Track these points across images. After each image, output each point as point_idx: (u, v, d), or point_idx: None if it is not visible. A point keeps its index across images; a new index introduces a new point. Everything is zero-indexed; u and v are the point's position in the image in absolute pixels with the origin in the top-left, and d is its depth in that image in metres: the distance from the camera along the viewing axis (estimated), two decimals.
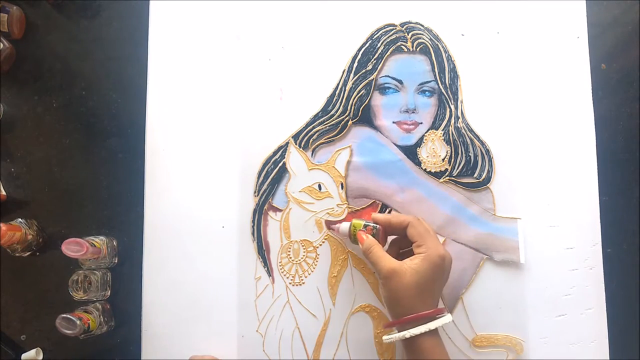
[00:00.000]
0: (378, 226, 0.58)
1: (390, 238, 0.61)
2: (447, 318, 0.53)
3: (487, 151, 0.65)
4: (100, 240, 0.63)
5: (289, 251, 0.65)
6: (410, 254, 0.55)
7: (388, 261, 0.54)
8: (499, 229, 0.64)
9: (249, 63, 0.67)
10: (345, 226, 0.60)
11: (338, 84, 0.66)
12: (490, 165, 0.65)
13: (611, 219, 0.65)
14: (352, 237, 0.59)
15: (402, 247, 0.60)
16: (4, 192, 0.66)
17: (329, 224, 0.64)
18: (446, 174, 0.65)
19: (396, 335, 0.53)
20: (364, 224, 0.59)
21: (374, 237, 0.58)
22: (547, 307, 0.63)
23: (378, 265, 0.55)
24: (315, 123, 0.66)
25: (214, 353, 0.63)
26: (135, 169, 0.66)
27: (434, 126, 0.66)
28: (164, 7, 0.67)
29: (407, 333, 0.52)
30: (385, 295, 0.55)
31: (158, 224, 0.65)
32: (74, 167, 0.67)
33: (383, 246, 0.58)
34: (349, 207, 0.65)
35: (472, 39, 0.67)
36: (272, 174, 0.65)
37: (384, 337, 0.55)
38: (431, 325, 0.52)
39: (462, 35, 0.67)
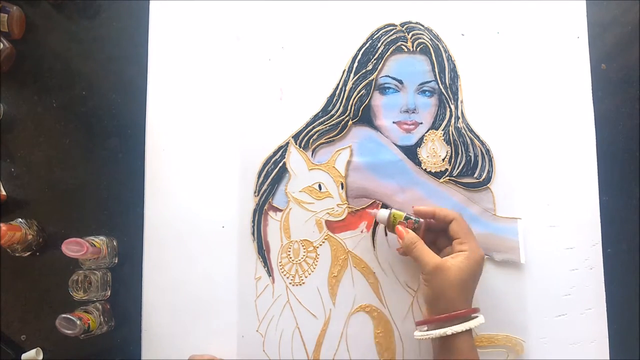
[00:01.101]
0: (421, 220, 0.58)
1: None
2: (481, 319, 0.53)
3: (487, 151, 0.65)
4: (100, 240, 0.63)
5: (289, 251, 0.65)
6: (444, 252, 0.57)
7: (433, 257, 0.54)
8: (499, 229, 0.64)
9: (249, 63, 0.67)
10: (383, 214, 0.59)
11: (338, 84, 0.66)
12: (491, 165, 0.65)
13: (611, 219, 0.65)
14: (392, 227, 0.59)
15: (439, 243, 0.59)
16: (4, 192, 0.66)
17: (369, 208, 0.64)
18: (446, 174, 0.65)
19: (436, 332, 0.52)
20: (405, 216, 0.58)
21: (414, 231, 0.57)
22: (547, 307, 0.63)
23: (422, 260, 0.54)
24: (315, 123, 0.66)
25: (214, 353, 0.63)
26: (135, 169, 0.66)
27: (434, 126, 0.66)
28: (164, 7, 0.67)
29: (449, 330, 0.51)
30: (427, 292, 0.54)
31: (158, 224, 0.65)
32: (74, 167, 0.67)
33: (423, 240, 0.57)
34: (349, 207, 0.65)
35: (472, 39, 0.67)
36: (272, 174, 0.65)
37: (417, 333, 0.55)
38: (472, 324, 0.52)
39: (462, 35, 0.67)
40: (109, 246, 0.64)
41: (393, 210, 0.59)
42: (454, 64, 0.66)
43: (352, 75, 0.66)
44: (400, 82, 0.66)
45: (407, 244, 0.56)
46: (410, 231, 0.57)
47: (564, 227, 0.65)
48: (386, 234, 0.64)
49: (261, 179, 0.65)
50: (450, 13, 0.67)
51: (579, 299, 0.64)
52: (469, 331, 0.52)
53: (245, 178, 0.65)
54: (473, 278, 0.54)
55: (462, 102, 0.66)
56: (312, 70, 0.67)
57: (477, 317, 0.53)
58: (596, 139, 0.66)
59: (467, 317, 0.52)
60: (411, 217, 0.58)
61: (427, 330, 0.54)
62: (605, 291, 0.64)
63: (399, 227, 0.58)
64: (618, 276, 0.65)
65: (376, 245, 0.64)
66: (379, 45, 0.66)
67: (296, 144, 0.66)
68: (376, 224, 0.64)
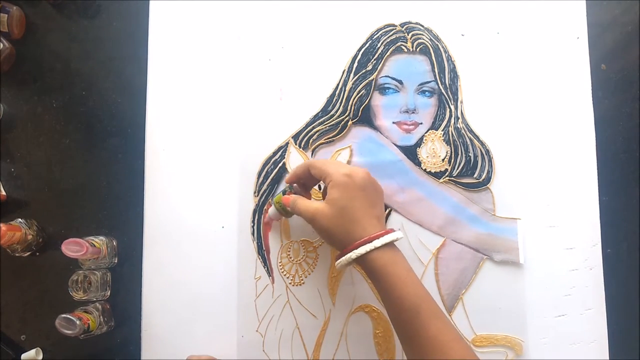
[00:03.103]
0: (294, 184, 0.60)
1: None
2: (394, 234, 0.52)
3: (487, 151, 0.65)
4: (100, 240, 0.63)
5: (289, 251, 0.65)
6: None
7: (308, 204, 0.55)
8: (499, 229, 0.64)
9: (249, 63, 0.67)
10: (271, 209, 0.62)
11: (338, 84, 0.66)
12: (490, 165, 0.65)
13: (611, 219, 0.65)
14: (283, 209, 0.60)
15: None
16: (4, 192, 0.66)
17: (266, 219, 0.65)
18: (446, 174, 0.65)
19: (343, 259, 0.52)
20: (282, 191, 0.61)
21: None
22: (547, 307, 0.63)
23: (302, 212, 0.55)
24: (315, 123, 0.66)
25: (213, 353, 0.63)
26: (135, 169, 0.66)
27: (434, 126, 0.66)
28: (164, 7, 0.67)
29: (353, 254, 0.51)
30: (321, 237, 0.56)
31: (158, 224, 0.65)
32: (74, 167, 0.67)
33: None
34: None
35: (472, 39, 0.67)
36: (272, 174, 0.65)
37: (336, 263, 0.54)
38: (377, 243, 0.51)
39: (462, 35, 0.67)
40: (108, 246, 0.64)
41: (273, 198, 0.62)
42: (454, 64, 0.66)
43: (352, 75, 0.66)
44: (400, 82, 0.66)
45: (291, 208, 0.57)
46: (292, 195, 0.58)
47: (564, 227, 0.65)
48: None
49: (261, 179, 0.65)
50: (450, 13, 0.67)
51: (578, 299, 0.64)
52: (388, 250, 0.51)
53: (245, 178, 0.65)
54: (350, 200, 0.52)
55: (461, 102, 0.66)
56: (312, 70, 0.67)
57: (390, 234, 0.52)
58: (596, 139, 0.66)
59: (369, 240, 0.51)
60: (285, 189, 0.61)
61: (339, 263, 0.53)
62: (605, 291, 0.64)
63: (283, 198, 0.59)
64: (618, 276, 0.65)
65: None
66: (378, 45, 0.66)
67: (296, 144, 0.66)
68: (272, 220, 0.64)
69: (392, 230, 0.53)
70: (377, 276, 0.52)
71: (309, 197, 0.61)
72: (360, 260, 0.52)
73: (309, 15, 0.67)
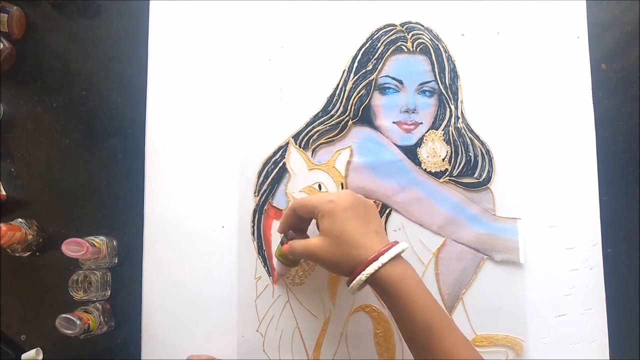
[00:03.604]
0: (289, 232, 0.58)
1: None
2: (399, 247, 0.51)
3: (487, 151, 0.65)
4: (100, 240, 0.63)
5: None
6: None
7: (304, 244, 0.54)
8: (499, 229, 0.64)
9: (249, 63, 0.67)
10: (277, 264, 0.61)
11: (338, 84, 0.66)
12: (491, 165, 0.65)
13: (611, 219, 0.65)
14: (286, 260, 0.58)
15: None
16: (4, 192, 0.66)
17: (275, 278, 0.64)
18: (446, 174, 0.65)
19: (354, 282, 0.51)
20: (281, 241, 0.59)
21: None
22: (547, 307, 0.63)
23: (302, 254, 0.55)
24: (315, 123, 0.66)
25: (214, 353, 0.63)
26: (135, 169, 0.66)
27: (434, 126, 0.66)
28: (164, 7, 0.67)
29: (363, 275, 0.50)
30: (329, 271, 0.55)
31: (158, 224, 0.65)
32: (74, 167, 0.67)
33: None
34: None
35: (472, 39, 0.67)
36: (272, 174, 0.65)
37: (349, 289, 0.53)
38: (383, 259, 0.50)
39: (462, 35, 0.67)
40: (109, 246, 0.64)
41: (274, 253, 0.61)
42: (454, 64, 0.66)
43: (352, 75, 0.66)
44: (400, 82, 0.66)
45: (290, 253, 0.56)
46: (289, 242, 0.57)
47: (564, 227, 0.65)
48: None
49: (261, 179, 0.65)
50: (450, 13, 0.67)
51: (579, 299, 0.64)
52: (395, 265, 0.51)
53: (245, 178, 0.65)
54: (342, 225, 0.51)
55: (462, 102, 0.66)
56: (312, 70, 0.67)
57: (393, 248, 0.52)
58: (596, 139, 0.66)
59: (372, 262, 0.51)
60: (282, 240, 0.59)
61: (352, 288, 0.53)
62: (605, 291, 0.64)
63: (283, 248, 0.57)
64: (618, 276, 0.65)
65: None
66: (379, 45, 0.66)
67: (296, 144, 0.66)
68: (282, 275, 0.64)
69: (396, 243, 0.52)
70: (388, 294, 0.51)
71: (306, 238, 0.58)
72: (371, 280, 0.51)
73: (309, 15, 0.67)
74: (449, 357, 0.48)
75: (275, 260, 0.61)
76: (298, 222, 0.57)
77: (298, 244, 0.55)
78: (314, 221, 0.57)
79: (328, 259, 0.52)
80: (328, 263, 0.53)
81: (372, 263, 0.50)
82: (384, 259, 0.50)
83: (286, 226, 0.58)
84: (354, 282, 0.51)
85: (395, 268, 0.51)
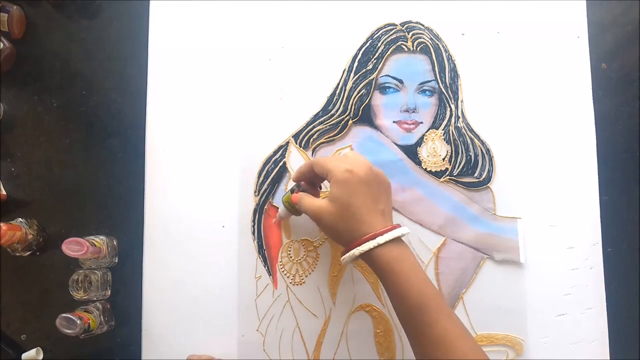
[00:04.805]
0: (301, 183, 0.59)
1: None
2: (399, 230, 0.52)
3: (488, 151, 0.65)
4: (100, 240, 0.63)
5: (290, 250, 0.65)
6: None
7: (312, 202, 0.54)
8: (499, 229, 0.64)
9: (249, 63, 0.67)
10: (281, 209, 0.61)
11: (338, 84, 0.66)
12: (491, 164, 0.65)
13: (611, 219, 0.65)
14: (292, 208, 0.59)
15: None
16: (4, 192, 0.66)
17: (274, 220, 0.64)
18: (446, 173, 0.65)
19: (347, 256, 0.52)
20: (290, 189, 0.60)
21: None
22: (547, 307, 0.63)
23: (307, 210, 0.55)
24: (315, 122, 0.66)
25: (213, 353, 0.63)
26: (135, 169, 0.66)
27: (434, 126, 0.66)
28: (164, 7, 0.67)
29: (357, 250, 0.51)
30: (326, 234, 0.55)
31: (158, 224, 0.65)
32: (74, 167, 0.67)
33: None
34: None
35: (472, 38, 0.67)
36: (273, 173, 0.65)
37: (341, 259, 0.54)
38: (380, 240, 0.50)
39: (463, 34, 0.67)
40: (109, 246, 0.64)
41: (282, 197, 0.60)
42: (454, 64, 0.66)
43: (352, 74, 0.66)
44: (401, 81, 0.66)
45: (299, 206, 0.57)
46: (299, 193, 0.58)
47: (564, 226, 0.65)
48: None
49: (261, 178, 0.65)
50: (450, 13, 0.67)
51: (579, 298, 0.64)
52: (394, 246, 0.51)
53: (245, 178, 0.65)
54: (353, 196, 0.51)
55: (462, 101, 0.66)
56: (312, 70, 0.67)
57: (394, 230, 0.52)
58: (596, 139, 0.66)
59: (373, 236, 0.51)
60: (293, 188, 0.59)
61: (344, 259, 0.53)
62: (606, 291, 0.64)
63: (292, 197, 0.58)
64: (618, 276, 0.65)
65: None
66: (379, 44, 0.66)
67: (296, 144, 0.66)
68: (282, 220, 0.64)
69: (398, 226, 0.52)
70: (381, 273, 0.51)
71: (317, 194, 0.60)
72: (365, 257, 0.52)
73: (309, 15, 0.67)
74: (441, 338, 0.48)
75: (281, 207, 0.61)
76: (313, 177, 0.58)
77: (307, 200, 0.55)
78: None
79: (329, 225, 0.53)
80: (328, 229, 0.54)
81: (368, 241, 0.51)
82: (381, 239, 0.50)
83: (300, 177, 0.59)
84: (346, 255, 0.52)
85: (392, 250, 0.51)
